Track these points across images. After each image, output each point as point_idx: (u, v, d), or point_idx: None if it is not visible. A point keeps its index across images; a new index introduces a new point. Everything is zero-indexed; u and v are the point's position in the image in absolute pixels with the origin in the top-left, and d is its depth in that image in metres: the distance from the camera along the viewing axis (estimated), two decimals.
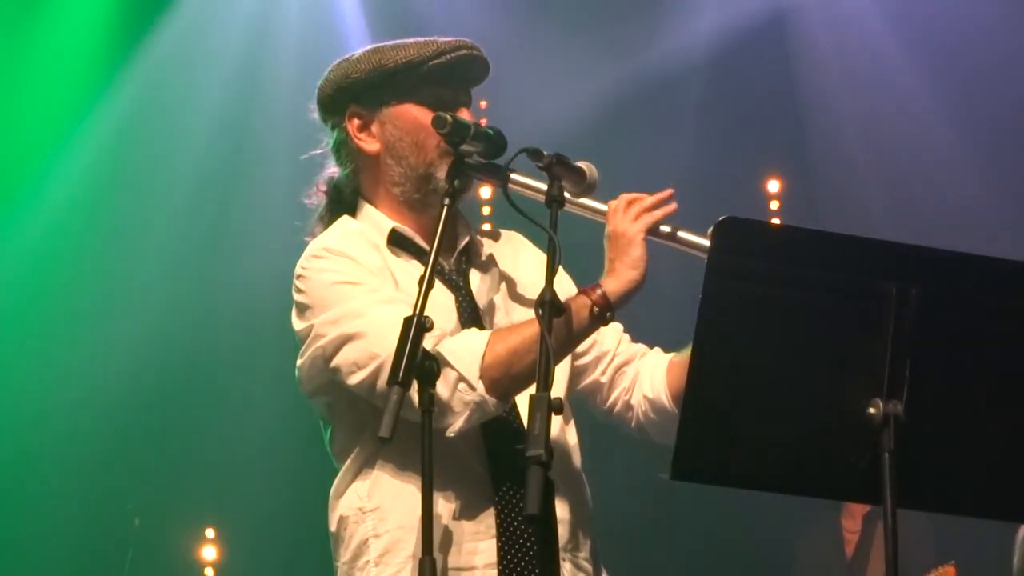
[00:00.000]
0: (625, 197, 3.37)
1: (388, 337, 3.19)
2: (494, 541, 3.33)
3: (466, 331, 3.37)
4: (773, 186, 8.33)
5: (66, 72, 7.90)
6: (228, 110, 7.97)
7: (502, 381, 3.25)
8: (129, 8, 7.99)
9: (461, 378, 3.24)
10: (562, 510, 3.40)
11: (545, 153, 3.30)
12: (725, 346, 2.87)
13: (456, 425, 3.26)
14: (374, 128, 3.53)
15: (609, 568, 3.52)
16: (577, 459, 3.53)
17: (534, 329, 3.19)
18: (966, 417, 2.93)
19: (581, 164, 3.35)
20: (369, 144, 3.53)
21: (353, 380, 3.34)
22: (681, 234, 3.34)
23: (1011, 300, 2.91)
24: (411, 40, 3.53)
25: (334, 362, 3.36)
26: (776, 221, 7.83)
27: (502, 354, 3.25)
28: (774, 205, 8.30)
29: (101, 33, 7.95)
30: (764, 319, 2.87)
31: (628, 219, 3.33)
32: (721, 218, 2.82)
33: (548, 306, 3.06)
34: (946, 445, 2.92)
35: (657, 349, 3.63)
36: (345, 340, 3.34)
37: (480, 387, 3.25)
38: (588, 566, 3.44)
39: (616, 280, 3.28)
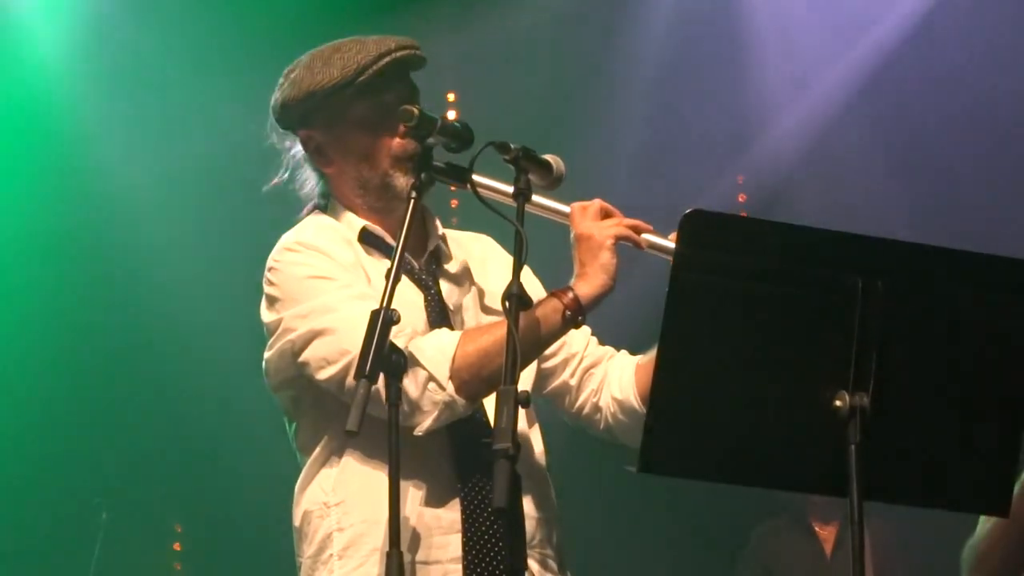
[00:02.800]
0: (602, 204, 3.37)
1: (359, 334, 3.19)
2: (459, 536, 3.34)
3: (437, 330, 3.37)
4: (740, 179, 8.33)
5: None
6: None
7: (472, 382, 3.26)
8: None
9: (431, 378, 3.24)
10: (528, 506, 3.40)
11: (512, 146, 3.30)
12: (692, 339, 2.87)
13: (425, 424, 3.26)
14: (327, 150, 3.54)
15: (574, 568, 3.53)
16: (543, 458, 3.53)
17: (504, 330, 3.19)
18: (932, 409, 2.94)
19: (548, 157, 3.35)
20: (324, 165, 3.56)
21: (322, 375, 3.34)
22: (646, 236, 3.34)
23: (976, 292, 2.92)
24: (341, 47, 3.50)
25: (303, 357, 3.36)
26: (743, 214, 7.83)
27: (472, 355, 3.26)
28: (741, 198, 8.31)
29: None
30: (731, 312, 2.87)
31: (599, 223, 3.33)
32: (687, 211, 2.82)
33: (515, 299, 3.06)
34: (912, 437, 2.93)
35: (624, 351, 3.63)
36: (315, 335, 3.34)
37: (450, 387, 3.25)
38: (553, 564, 3.44)
39: (587, 284, 3.28)
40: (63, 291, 7.78)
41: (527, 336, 3.17)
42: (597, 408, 3.58)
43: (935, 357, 2.93)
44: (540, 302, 3.28)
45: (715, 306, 2.87)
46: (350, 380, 3.26)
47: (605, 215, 3.36)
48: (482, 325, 3.43)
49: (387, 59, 3.47)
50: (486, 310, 3.56)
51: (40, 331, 7.78)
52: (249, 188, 3.84)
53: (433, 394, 3.24)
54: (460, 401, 3.27)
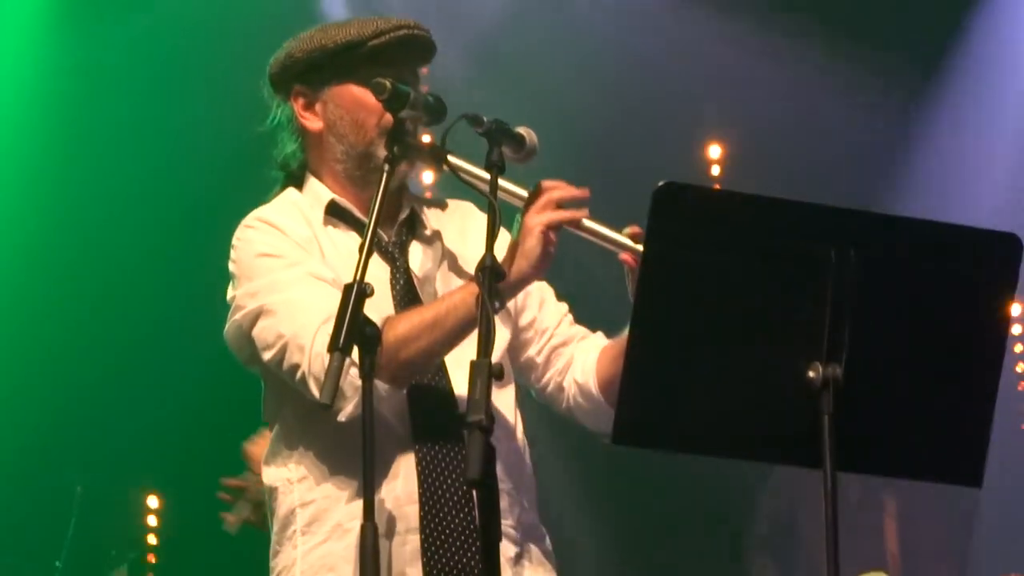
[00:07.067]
0: (541, 185, 3.33)
1: (297, 318, 3.32)
2: (416, 506, 3.35)
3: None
4: (714, 151, 8.32)
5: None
6: None
7: (390, 367, 3.27)
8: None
9: (352, 363, 3.20)
10: (500, 477, 3.39)
11: (485, 119, 3.30)
12: (665, 311, 2.87)
13: (347, 410, 3.28)
14: (317, 107, 3.57)
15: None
16: (516, 425, 3.55)
17: (423, 316, 3.30)
18: (905, 380, 2.94)
19: (521, 130, 3.35)
20: (312, 123, 3.58)
21: (264, 357, 3.40)
22: (586, 223, 3.32)
23: (949, 263, 2.93)
24: (362, 18, 3.56)
25: (251, 335, 3.42)
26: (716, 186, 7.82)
27: (390, 341, 3.26)
28: (715, 170, 8.31)
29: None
30: (703, 284, 2.87)
31: (535, 209, 3.30)
32: (659, 183, 2.82)
33: (488, 271, 3.06)
34: (885, 408, 2.94)
35: (599, 333, 3.64)
36: (259, 314, 3.40)
37: None
38: (515, 533, 3.44)
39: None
40: (38, 271, 7.77)
41: (445, 320, 3.25)
42: (560, 388, 3.61)
43: (908, 327, 2.93)
44: (459, 288, 3.32)
45: (687, 278, 2.87)
46: (286, 363, 3.34)
47: (541, 194, 3.31)
48: (408, 310, 3.42)
49: (404, 31, 3.52)
50: (457, 278, 3.55)
51: (15, 311, 7.77)
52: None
53: (354, 379, 3.21)
54: (381, 385, 3.28)
